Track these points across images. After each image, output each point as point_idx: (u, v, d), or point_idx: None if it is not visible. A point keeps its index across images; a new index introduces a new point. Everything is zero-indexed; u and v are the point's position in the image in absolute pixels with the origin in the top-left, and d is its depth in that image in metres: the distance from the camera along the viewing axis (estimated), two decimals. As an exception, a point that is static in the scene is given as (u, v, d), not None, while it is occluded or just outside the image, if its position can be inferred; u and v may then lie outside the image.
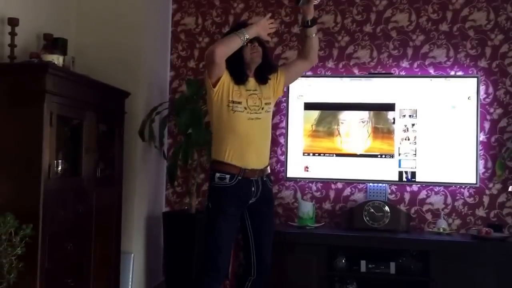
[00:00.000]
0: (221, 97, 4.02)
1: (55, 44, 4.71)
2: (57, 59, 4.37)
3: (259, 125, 4.11)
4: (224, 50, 3.86)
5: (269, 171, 4.25)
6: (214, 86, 4.00)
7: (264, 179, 4.17)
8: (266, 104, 4.15)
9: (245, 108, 4.04)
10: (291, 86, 5.84)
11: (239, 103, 4.03)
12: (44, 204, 3.89)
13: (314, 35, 4.28)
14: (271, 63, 4.32)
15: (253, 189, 4.08)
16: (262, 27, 3.96)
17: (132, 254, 5.56)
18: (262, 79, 4.18)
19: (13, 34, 4.32)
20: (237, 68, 4.05)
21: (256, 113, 4.08)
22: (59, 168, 4.32)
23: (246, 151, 4.04)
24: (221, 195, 4.05)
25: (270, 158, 5.83)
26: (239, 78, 4.07)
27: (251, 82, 4.14)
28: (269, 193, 4.28)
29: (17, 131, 3.93)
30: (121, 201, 5.32)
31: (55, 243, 4.04)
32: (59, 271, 4.17)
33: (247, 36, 3.88)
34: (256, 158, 4.09)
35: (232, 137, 4.04)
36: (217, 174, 4.05)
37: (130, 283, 5.49)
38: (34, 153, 3.88)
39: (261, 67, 4.16)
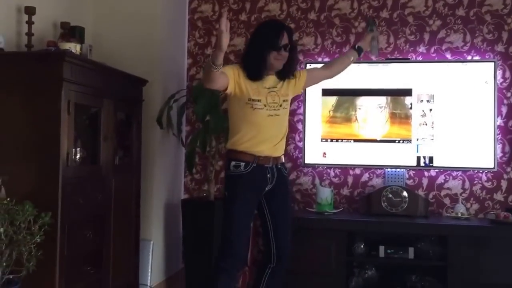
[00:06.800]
0: (239, 95, 4.05)
1: (72, 32, 4.73)
2: (74, 47, 4.38)
3: (277, 121, 4.15)
4: (207, 82, 3.87)
5: (283, 160, 4.28)
6: (225, 90, 4.03)
7: (279, 166, 4.20)
8: (284, 101, 4.18)
9: (265, 105, 4.07)
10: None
11: (259, 100, 4.06)
12: (62, 192, 3.90)
13: (352, 58, 4.55)
14: (293, 69, 4.27)
15: (268, 175, 4.11)
16: (219, 44, 3.63)
17: (151, 242, 5.59)
18: (281, 78, 4.20)
19: (30, 22, 4.35)
20: (254, 68, 4.07)
21: (274, 109, 4.11)
22: (78, 156, 4.34)
23: (262, 143, 4.07)
24: (237, 182, 4.08)
25: (288, 144, 5.89)
26: (253, 76, 4.07)
27: (271, 79, 4.15)
28: (285, 180, 4.31)
29: (35, 119, 3.94)
30: (140, 189, 5.34)
31: (74, 231, 4.07)
32: (78, 259, 4.20)
33: (216, 64, 3.70)
34: (270, 149, 4.12)
35: (249, 130, 4.07)
36: (232, 163, 4.09)
37: (149, 271, 5.52)
38: (52, 142, 3.90)
39: (283, 70, 4.18)
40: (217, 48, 3.61)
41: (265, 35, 4.08)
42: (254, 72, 4.06)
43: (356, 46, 4.57)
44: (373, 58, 5.53)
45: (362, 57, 5.82)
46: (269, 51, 4.03)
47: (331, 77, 4.59)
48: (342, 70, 4.61)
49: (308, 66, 5.91)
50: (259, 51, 4.03)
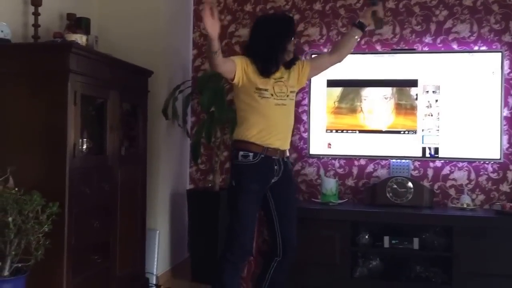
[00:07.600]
0: (247, 84, 4.05)
1: (78, 23, 4.74)
2: (80, 39, 4.40)
3: (284, 111, 4.14)
4: (212, 66, 3.91)
5: (288, 154, 4.27)
6: (232, 80, 4.04)
7: (285, 160, 4.20)
8: (291, 92, 4.18)
9: (272, 95, 4.06)
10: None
11: (266, 90, 4.05)
12: (69, 182, 3.93)
13: (357, 37, 4.41)
14: (296, 55, 4.31)
15: (275, 167, 4.10)
16: (209, 32, 3.61)
17: (157, 231, 5.62)
18: (287, 66, 4.20)
19: (36, 14, 4.36)
20: (272, 62, 4.07)
21: (282, 99, 4.10)
22: (84, 147, 4.37)
23: (270, 133, 4.06)
24: (245, 172, 4.07)
25: (293, 135, 5.89)
26: (267, 71, 4.06)
27: (279, 71, 4.15)
28: (290, 173, 4.32)
29: (41, 110, 3.96)
30: (146, 179, 5.36)
31: (81, 220, 4.09)
32: (86, 248, 4.22)
33: (214, 51, 3.70)
34: (278, 141, 4.11)
35: (258, 120, 4.06)
36: (241, 152, 4.07)
37: (155, 260, 5.55)
38: (59, 132, 3.92)
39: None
40: (208, 37, 3.63)
41: (280, 27, 4.12)
42: (271, 66, 4.07)
43: (358, 22, 4.39)
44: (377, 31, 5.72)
45: (367, 47, 5.85)
46: (289, 40, 4.10)
47: (340, 61, 4.48)
48: (350, 50, 4.48)
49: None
50: (281, 43, 4.07)
